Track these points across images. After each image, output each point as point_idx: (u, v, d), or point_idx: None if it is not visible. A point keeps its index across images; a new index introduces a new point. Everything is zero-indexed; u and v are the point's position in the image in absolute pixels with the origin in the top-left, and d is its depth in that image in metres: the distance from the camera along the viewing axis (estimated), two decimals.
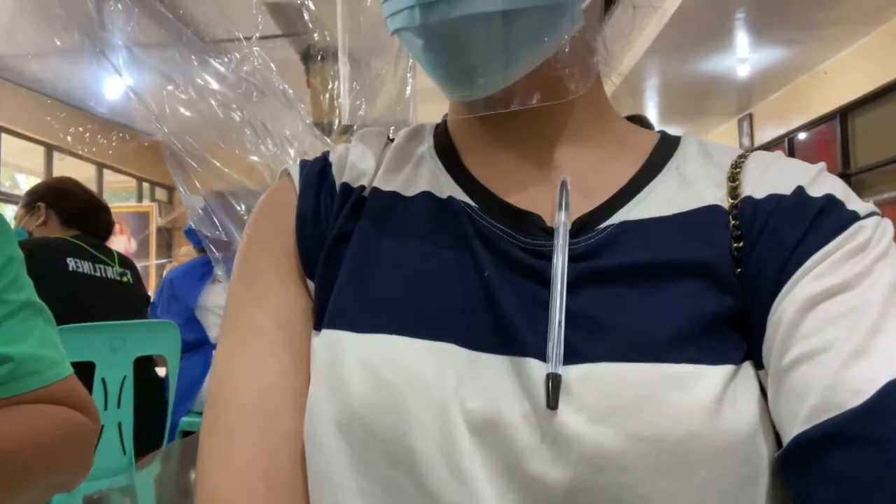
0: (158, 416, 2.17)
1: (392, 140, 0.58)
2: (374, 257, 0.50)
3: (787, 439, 0.41)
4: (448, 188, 0.52)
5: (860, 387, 0.38)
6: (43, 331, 0.80)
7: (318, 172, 0.55)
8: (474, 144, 0.54)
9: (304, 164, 0.56)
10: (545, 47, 0.46)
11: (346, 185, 0.54)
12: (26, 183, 7.30)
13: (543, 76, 0.47)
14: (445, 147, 0.55)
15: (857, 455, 0.37)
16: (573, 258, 0.46)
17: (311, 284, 0.52)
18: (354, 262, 0.50)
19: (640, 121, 0.58)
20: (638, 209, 0.49)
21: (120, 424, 1.90)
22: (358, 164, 0.55)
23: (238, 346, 0.50)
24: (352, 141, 0.58)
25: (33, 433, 0.73)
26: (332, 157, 0.56)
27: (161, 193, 8.89)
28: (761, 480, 0.42)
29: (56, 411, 0.77)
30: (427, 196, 0.52)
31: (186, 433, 2.92)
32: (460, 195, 0.52)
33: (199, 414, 2.88)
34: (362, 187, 0.54)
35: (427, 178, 0.54)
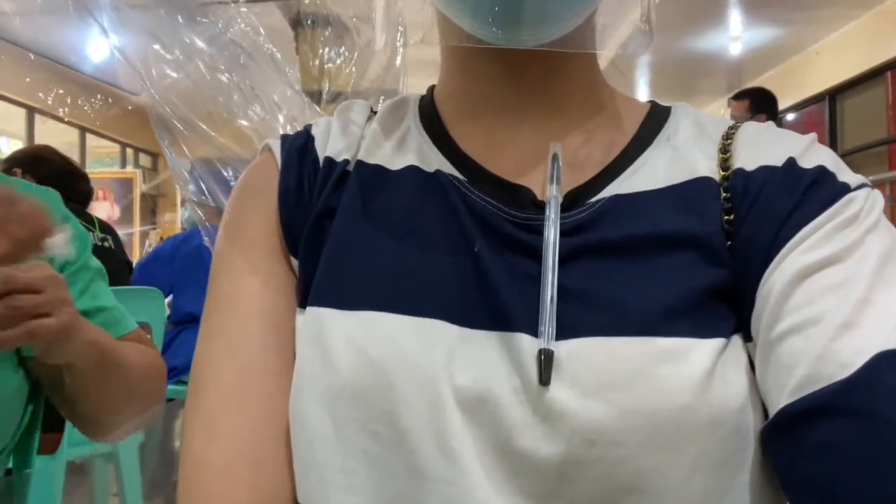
0: None
1: (375, 112, 0.57)
2: (360, 232, 0.48)
3: (773, 411, 0.41)
4: (436, 161, 0.51)
5: (848, 359, 0.38)
6: (110, 291, 0.97)
7: (300, 147, 0.53)
8: (463, 116, 0.53)
9: (285, 139, 0.55)
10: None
11: (329, 159, 0.52)
12: (8, 147, 7.19)
13: (590, 27, 0.48)
14: (432, 119, 0.54)
15: (844, 427, 0.37)
16: (564, 232, 0.45)
17: (294, 262, 0.51)
18: (339, 237, 0.49)
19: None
20: (629, 182, 0.48)
21: None
22: (341, 138, 0.53)
23: (219, 326, 0.49)
24: (334, 113, 0.57)
25: (144, 361, 0.91)
26: (314, 131, 0.55)
27: (145, 160, 8.77)
28: (748, 451, 0.42)
29: (149, 350, 0.95)
30: (414, 170, 0.51)
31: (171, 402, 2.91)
32: (448, 168, 0.50)
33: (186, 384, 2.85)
34: (346, 161, 0.52)
35: (413, 151, 0.52)
